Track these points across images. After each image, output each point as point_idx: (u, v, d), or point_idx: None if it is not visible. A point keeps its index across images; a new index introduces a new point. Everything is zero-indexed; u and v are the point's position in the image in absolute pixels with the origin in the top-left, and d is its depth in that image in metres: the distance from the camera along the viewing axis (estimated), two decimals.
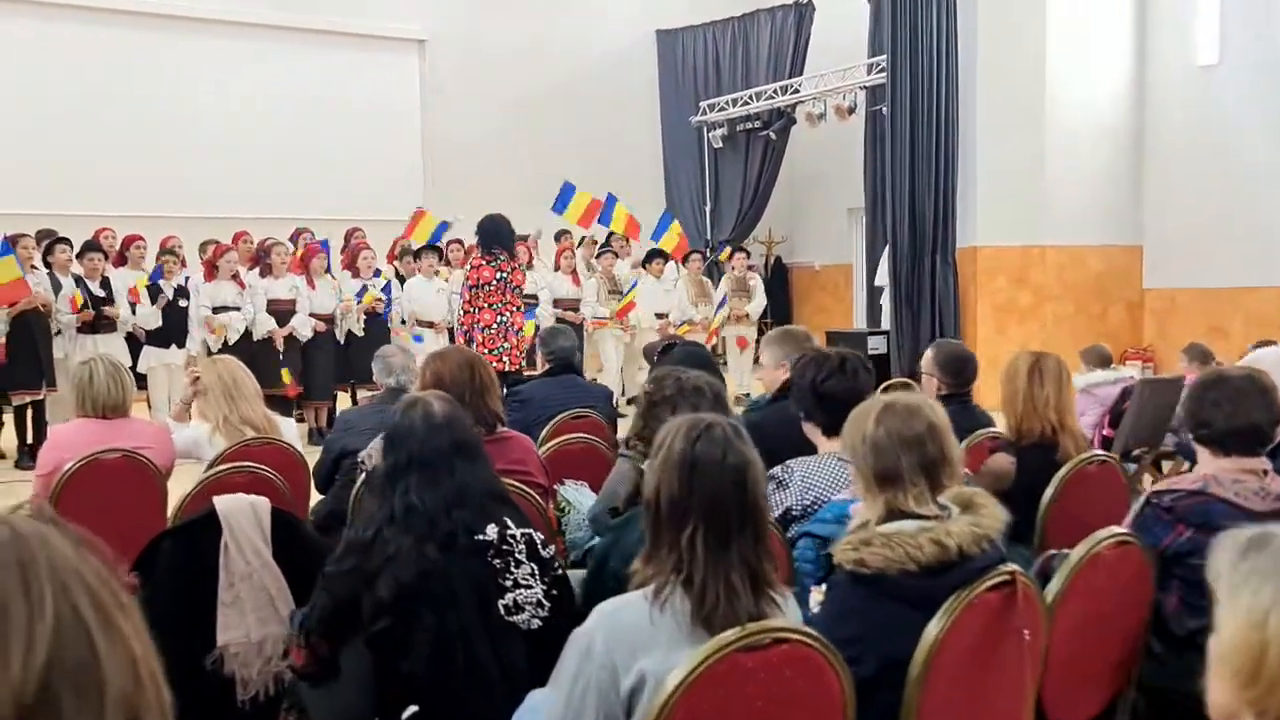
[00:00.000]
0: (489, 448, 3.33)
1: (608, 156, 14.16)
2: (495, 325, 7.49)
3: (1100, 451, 4.08)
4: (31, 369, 7.49)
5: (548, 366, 5.28)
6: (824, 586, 2.29)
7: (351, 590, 2.49)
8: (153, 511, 4.23)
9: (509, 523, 2.53)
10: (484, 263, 7.49)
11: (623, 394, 10.07)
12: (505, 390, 4.97)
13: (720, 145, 14.40)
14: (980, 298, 9.96)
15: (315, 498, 4.62)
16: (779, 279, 15.70)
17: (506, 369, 7.50)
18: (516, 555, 2.49)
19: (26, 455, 7.61)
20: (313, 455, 4.67)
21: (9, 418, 7.90)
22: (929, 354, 4.39)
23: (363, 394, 8.97)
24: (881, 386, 7.79)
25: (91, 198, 11.02)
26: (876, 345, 9.90)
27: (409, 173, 13.51)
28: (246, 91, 12.33)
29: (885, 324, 10.33)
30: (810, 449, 3.47)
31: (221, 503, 2.91)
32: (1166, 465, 6.26)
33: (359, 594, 2.47)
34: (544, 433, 4.93)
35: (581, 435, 4.44)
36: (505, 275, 7.52)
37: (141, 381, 8.11)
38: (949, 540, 2.07)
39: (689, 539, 1.89)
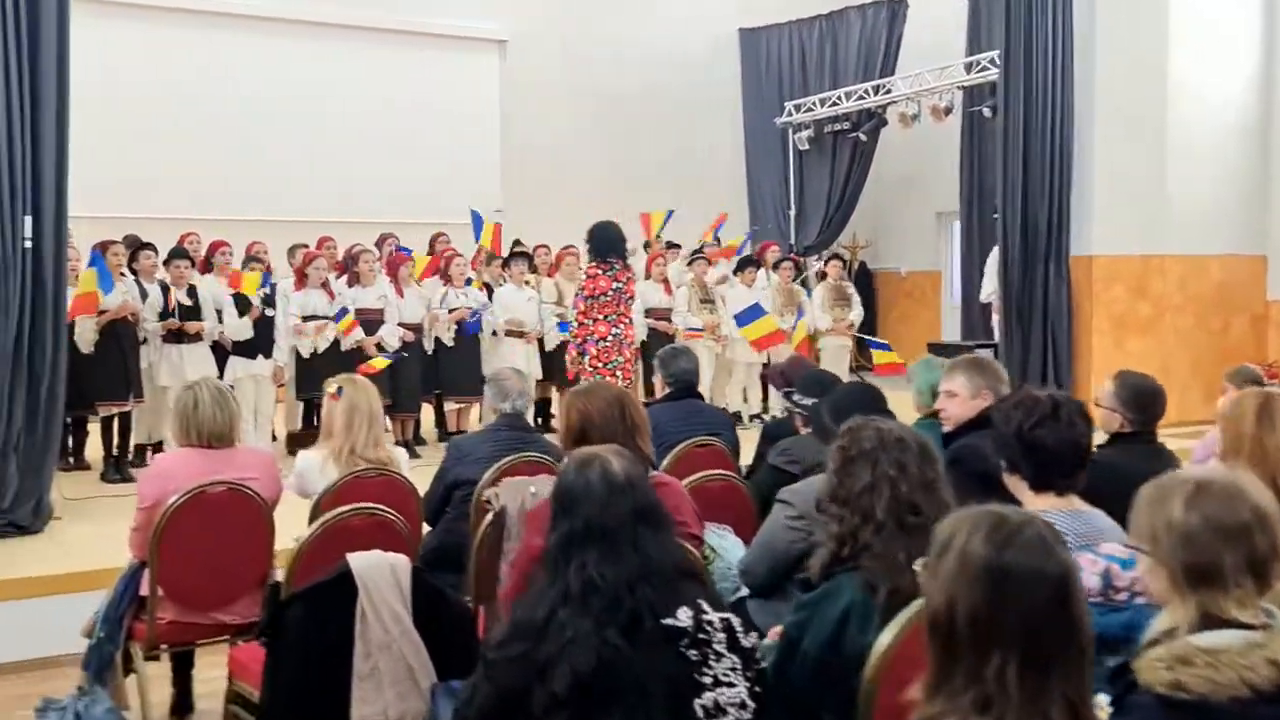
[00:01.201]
0: None
1: (688, 158, 13.78)
2: (610, 338, 7.16)
3: None
4: (118, 380, 7.29)
5: (667, 390, 4.91)
6: (1105, 699, 1.88)
7: (520, 681, 2.13)
8: (259, 547, 3.96)
9: (704, 606, 2.15)
10: (600, 272, 7.16)
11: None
12: None
13: (806, 147, 13.94)
14: (1096, 309, 9.41)
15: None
16: (863, 285, 15.12)
17: (619, 384, 7.18)
18: (715, 646, 2.12)
19: (112, 468, 7.42)
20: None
21: (95, 427, 7.72)
22: (1109, 386, 3.95)
23: (449, 405, 8.69)
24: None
25: (170, 201, 10.88)
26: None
27: (487, 175, 13.22)
28: (325, 92, 12.12)
29: (989, 336, 9.83)
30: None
31: (358, 563, 2.58)
32: None
33: (529, 685, 2.12)
34: (665, 463, 4.57)
35: (720, 473, 4.06)
36: (620, 286, 7.18)
37: None
38: None
39: (997, 670, 1.50)
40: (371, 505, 3.40)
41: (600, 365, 7.27)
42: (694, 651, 2.11)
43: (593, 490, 2.20)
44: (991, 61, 11.39)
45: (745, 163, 14.77)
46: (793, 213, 14.20)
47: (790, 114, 14.08)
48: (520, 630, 2.17)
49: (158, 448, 7.95)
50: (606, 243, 7.27)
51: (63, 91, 5.89)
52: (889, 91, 12.90)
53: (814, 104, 13.76)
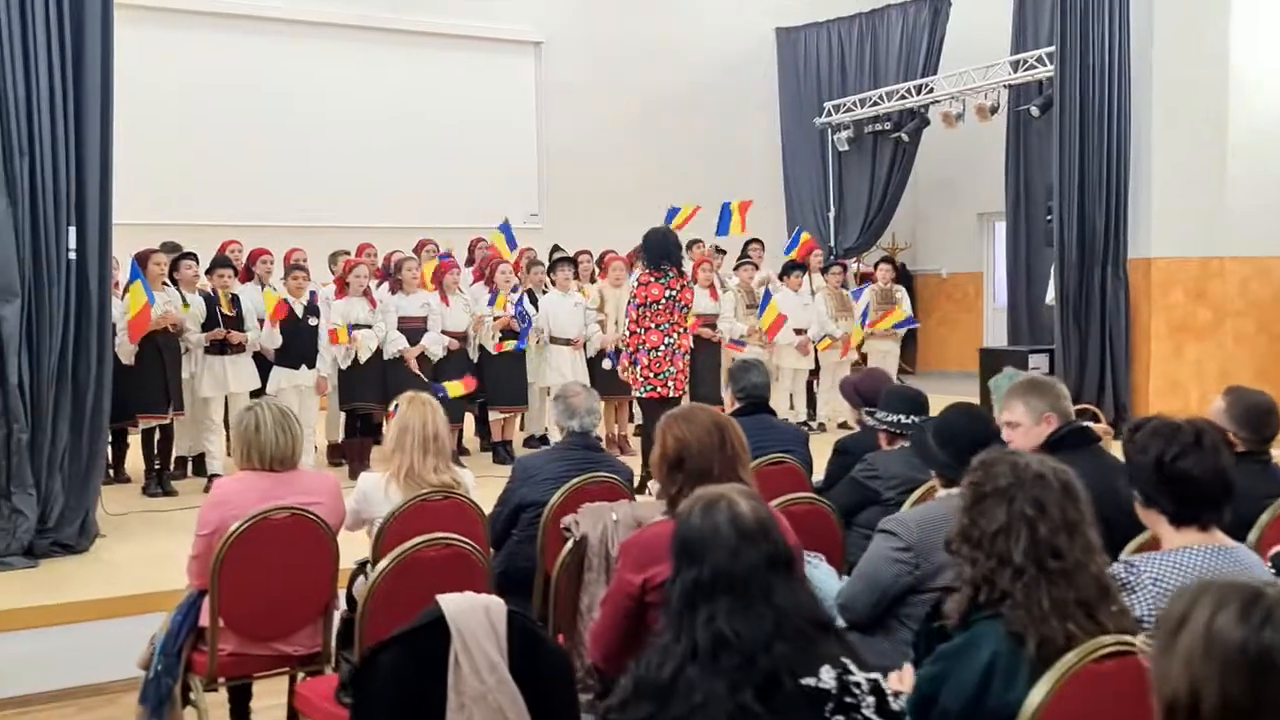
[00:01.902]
0: None
1: (724, 160, 13.59)
2: (663, 347, 6.98)
3: None
4: (159, 392, 7.15)
5: (737, 405, 4.70)
6: None
7: None
8: (323, 575, 3.79)
9: (849, 666, 1.95)
10: (652, 279, 6.99)
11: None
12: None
13: (846, 148, 13.72)
14: (1154, 314, 9.14)
15: None
16: (902, 288, 14.95)
17: (670, 395, 6.99)
18: (864, 711, 1.92)
19: (154, 482, 7.28)
20: None
21: (135, 439, 7.59)
22: (1219, 404, 3.72)
23: (494, 415, 8.52)
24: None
25: (206, 208, 10.77)
26: (1038, 364, 9.15)
27: (523, 179, 13.08)
28: (361, 97, 12.01)
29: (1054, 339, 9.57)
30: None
31: (451, 606, 2.39)
32: None
33: None
34: None
35: (803, 495, 3.84)
36: (674, 293, 7.00)
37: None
38: None
39: None
40: (447, 535, 3.22)
41: (651, 375, 7.09)
42: (840, 717, 1.91)
43: (721, 536, 2.01)
44: (1040, 60, 11.17)
45: (782, 164, 14.55)
46: (831, 214, 13.98)
47: (829, 114, 13.85)
48: (644, 690, 1.97)
49: (199, 461, 7.82)
50: (661, 250, 7.12)
51: (106, 100, 5.75)
52: (931, 91, 12.65)
53: (854, 104, 13.53)
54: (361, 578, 3.93)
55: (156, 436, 7.32)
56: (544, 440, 9.02)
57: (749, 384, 4.68)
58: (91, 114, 5.67)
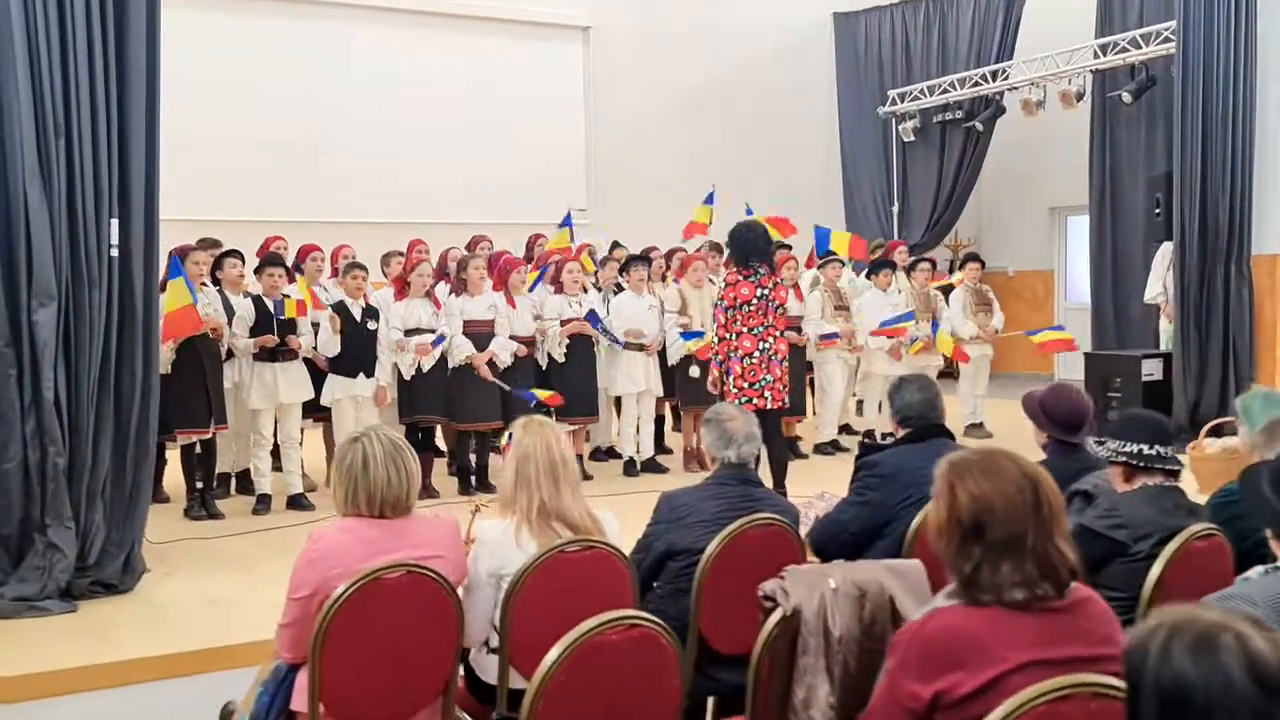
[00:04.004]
0: (1052, 621, 2.05)
1: (779, 151, 12.85)
2: (757, 353, 6.28)
3: None
4: (199, 404, 6.44)
5: (904, 430, 3.96)
6: None
7: None
8: (444, 645, 3.06)
9: None
10: (741, 279, 6.30)
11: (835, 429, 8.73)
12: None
13: (911, 139, 12.95)
14: None
15: None
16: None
17: (768, 406, 6.27)
18: None
19: (197, 503, 6.58)
20: None
21: (173, 454, 6.87)
22: None
23: (564, 428, 7.77)
24: (1206, 428, 6.25)
25: (244, 201, 10.07)
26: (1151, 371, 8.39)
27: (571, 171, 12.34)
28: (405, 84, 11.30)
29: (1155, 341, 8.82)
30: None
31: None
32: None
33: None
34: (918, 522, 3.64)
35: None
36: (766, 292, 6.31)
37: (322, 413, 7.04)
38: None
39: None
40: (635, 615, 2.49)
41: (746, 385, 6.39)
42: None
43: (1235, 694, 1.27)
44: (1134, 42, 10.42)
45: (840, 155, 13.79)
46: (895, 209, 13.22)
47: (894, 103, 13.08)
48: None
49: (244, 477, 7.12)
50: (750, 245, 6.45)
51: (152, 79, 5.04)
52: (1007, 77, 11.88)
53: (921, 92, 12.76)
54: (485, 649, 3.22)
55: (197, 452, 6.61)
56: (610, 453, 8.31)
57: (904, 402, 3.92)
58: (136, 94, 4.95)
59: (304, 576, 2.95)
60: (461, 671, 3.22)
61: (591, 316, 7.44)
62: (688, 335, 7.60)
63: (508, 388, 6.94)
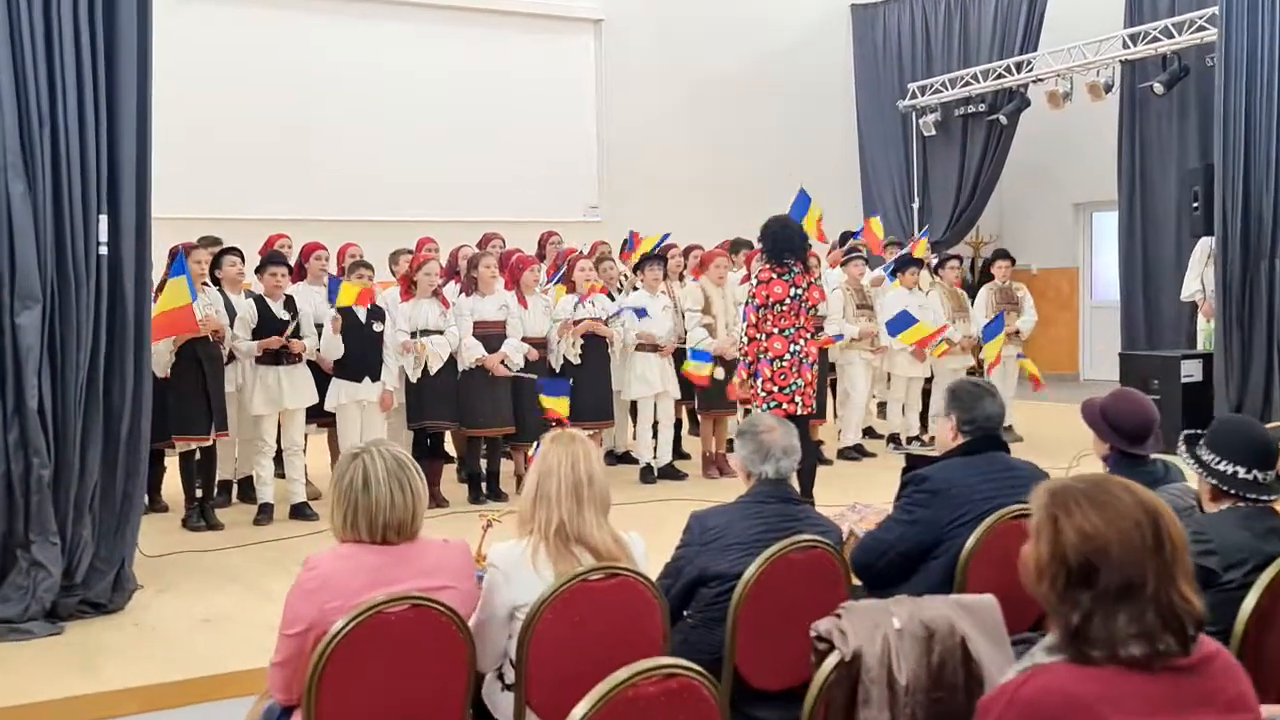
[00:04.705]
0: (1176, 682, 1.73)
1: (796, 147, 12.50)
2: (788, 356, 5.96)
3: None
4: (198, 410, 6.14)
5: (963, 440, 3.62)
6: None
7: None
8: (454, 684, 2.76)
9: None
10: (774, 276, 5.98)
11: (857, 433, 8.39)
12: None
13: (932, 132, 12.61)
14: None
15: None
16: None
17: (798, 412, 5.96)
18: None
19: (195, 514, 6.28)
20: None
21: (172, 462, 6.58)
22: None
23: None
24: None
25: (247, 199, 9.78)
26: (1191, 372, 8.04)
27: (583, 167, 12.03)
28: (409, 79, 10.99)
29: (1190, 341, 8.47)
30: None
31: None
32: None
33: None
34: (973, 543, 3.32)
35: None
36: (800, 292, 5.99)
37: (326, 418, 6.74)
38: None
39: None
40: (672, 663, 2.16)
41: (775, 389, 6.07)
42: None
43: None
44: (1166, 31, 10.07)
45: (859, 150, 13.45)
46: (916, 204, 12.88)
47: (914, 96, 12.74)
48: None
49: (245, 485, 6.83)
50: (783, 242, 6.13)
51: (143, 68, 4.73)
52: (1032, 69, 11.54)
53: (942, 84, 12.41)
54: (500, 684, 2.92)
55: (196, 459, 6.31)
56: (624, 458, 7.99)
57: (981, 414, 3.58)
58: (126, 82, 4.65)
59: (298, 610, 2.64)
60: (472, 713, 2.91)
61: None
62: (697, 355, 7.26)
63: (533, 376, 6.62)
